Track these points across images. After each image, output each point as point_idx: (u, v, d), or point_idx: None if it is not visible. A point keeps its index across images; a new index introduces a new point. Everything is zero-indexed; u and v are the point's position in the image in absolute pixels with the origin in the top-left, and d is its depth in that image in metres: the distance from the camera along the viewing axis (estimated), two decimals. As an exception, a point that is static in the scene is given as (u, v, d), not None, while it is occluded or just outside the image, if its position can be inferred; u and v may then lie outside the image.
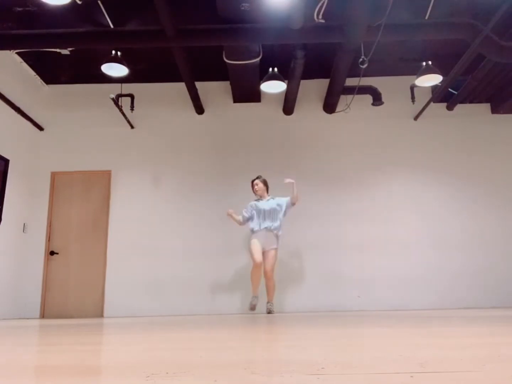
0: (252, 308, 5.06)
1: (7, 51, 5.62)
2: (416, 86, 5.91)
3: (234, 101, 6.63)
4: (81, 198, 6.30)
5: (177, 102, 6.63)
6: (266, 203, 5.15)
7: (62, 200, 6.30)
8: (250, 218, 5.15)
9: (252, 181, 5.33)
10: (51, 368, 1.11)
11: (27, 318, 5.72)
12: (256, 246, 4.97)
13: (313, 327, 2.50)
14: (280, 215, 5.12)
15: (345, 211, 6.19)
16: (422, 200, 6.21)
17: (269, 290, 5.03)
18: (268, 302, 5.05)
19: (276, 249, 5.06)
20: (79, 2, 4.64)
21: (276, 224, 5.07)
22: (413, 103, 6.48)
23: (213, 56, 5.61)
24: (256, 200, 5.24)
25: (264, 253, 5.02)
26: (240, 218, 5.22)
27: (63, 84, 6.72)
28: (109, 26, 5.07)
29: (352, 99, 6.06)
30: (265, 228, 5.02)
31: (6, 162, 5.62)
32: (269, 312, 4.99)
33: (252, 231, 5.09)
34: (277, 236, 5.08)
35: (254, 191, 5.27)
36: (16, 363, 1.22)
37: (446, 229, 6.10)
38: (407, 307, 5.82)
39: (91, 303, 5.96)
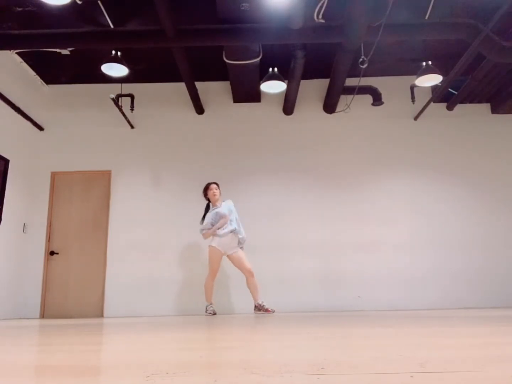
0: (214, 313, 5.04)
1: (7, 51, 5.62)
2: (416, 86, 5.90)
3: (234, 101, 6.63)
4: (81, 198, 6.29)
5: (177, 102, 6.63)
6: (225, 207, 5.16)
7: (62, 200, 6.29)
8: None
9: (209, 185, 5.22)
10: (51, 368, 1.11)
11: (27, 318, 5.72)
12: (219, 256, 5.00)
13: (313, 327, 2.50)
14: (236, 217, 5.18)
15: (345, 210, 6.18)
16: (422, 200, 6.21)
17: (256, 289, 5.03)
18: (262, 301, 5.02)
19: (242, 248, 5.13)
20: (79, 2, 4.64)
21: (238, 227, 5.11)
22: (413, 103, 6.48)
23: (213, 56, 5.61)
24: (213, 208, 5.16)
25: (230, 256, 5.06)
26: (209, 227, 5.09)
27: (63, 84, 6.72)
28: (109, 26, 5.07)
29: (352, 99, 6.06)
30: (231, 231, 5.02)
31: (6, 162, 5.62)
32: (273, 311, 5.00)
33: (219, 235, 5.02)
34: (241, 239, 5.11)
35: (211, 195, 5.16)
36: (16, 363, 1.22)
37: (446, 229, 6.10)
38: (407, 307, 5.82)
39: (91, 303, 5.95)
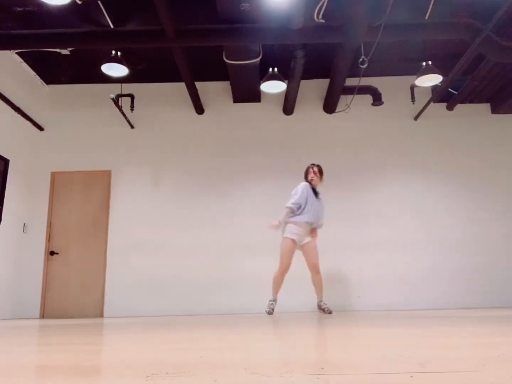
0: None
1: (7, 51, 5.62)
2: (416, 86, 5.90)
3: (234, 101, 6.62)
4: (81, 198, 6.29)
5: (177, 102, 6.62)
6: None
7: (62, 200, 6.29)
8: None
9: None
10: (51, 368, 1.11)
11: (27, 318, 5.72)
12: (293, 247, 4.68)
13: (313, 327, 2.50)
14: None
15: (345, 211, 6.18)
16: (422, 200, 6.21)
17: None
18: (320, 301, 4.81)
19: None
20: (79, 2, 4.63)
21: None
22: (413, 103, 6.48)
23: (213, 56, 5.61)
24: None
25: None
26: (287, 211, 4.64)
27: (63, 84, 6.72)
28: (109, 26, 5.07)
29: (352, 99, 6.06)
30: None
31: (6, 162, 5.62)
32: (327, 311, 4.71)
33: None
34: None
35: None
36: (16, 363, 1.22)
37: (446, 229, 6.10)
38: (407, 307, 5.82)
39: (91, 303, 5.95)
